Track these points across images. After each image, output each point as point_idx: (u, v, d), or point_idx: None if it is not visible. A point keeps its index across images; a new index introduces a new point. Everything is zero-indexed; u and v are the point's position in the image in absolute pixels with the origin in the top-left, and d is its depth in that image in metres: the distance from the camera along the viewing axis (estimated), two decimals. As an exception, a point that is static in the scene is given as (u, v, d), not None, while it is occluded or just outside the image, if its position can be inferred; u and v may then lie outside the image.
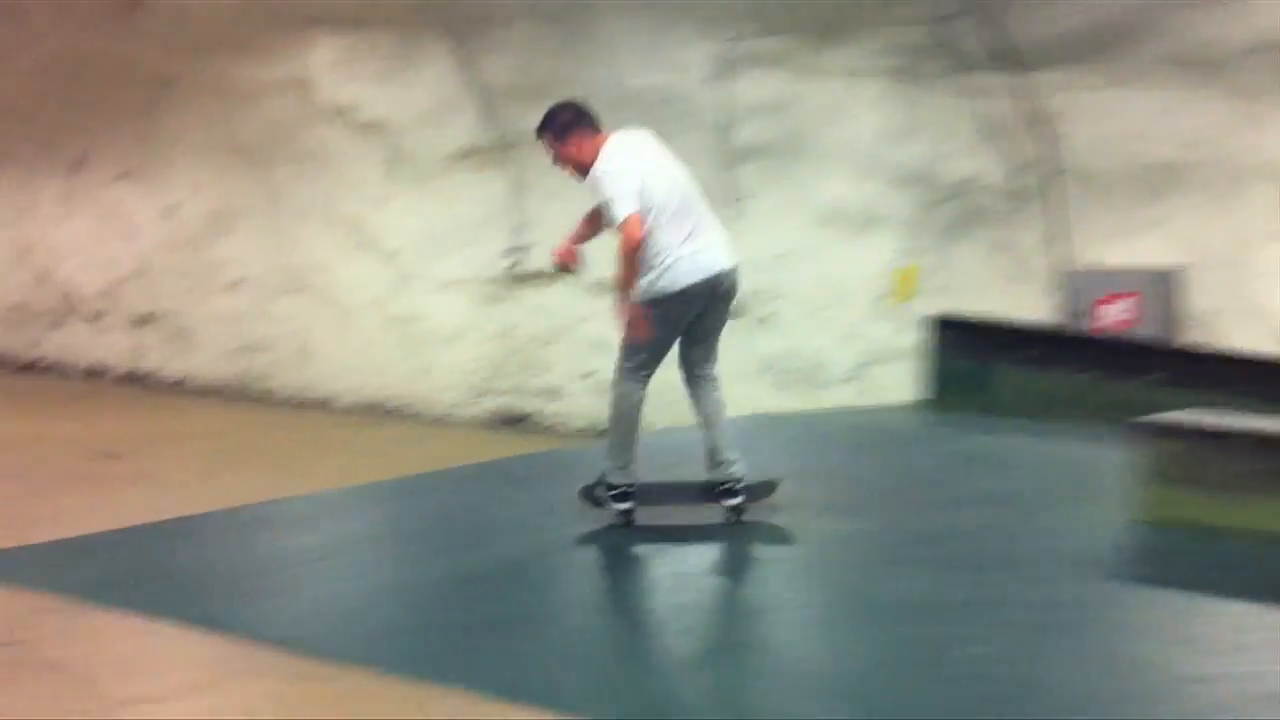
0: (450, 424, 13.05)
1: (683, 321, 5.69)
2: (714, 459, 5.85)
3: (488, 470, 8.33)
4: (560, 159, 5.70)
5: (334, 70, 13.56)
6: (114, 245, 15.73)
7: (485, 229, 13.18)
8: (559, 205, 13.27)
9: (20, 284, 16.66)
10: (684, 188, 5.69)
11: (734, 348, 12.60)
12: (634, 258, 5.44)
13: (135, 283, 15.64)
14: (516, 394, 13.15)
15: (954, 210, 11.21)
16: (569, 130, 5.65)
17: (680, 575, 5.58)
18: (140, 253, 15.55)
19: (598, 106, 12.43)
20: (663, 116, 12.08)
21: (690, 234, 5.60)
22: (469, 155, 13.09)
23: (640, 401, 5.75)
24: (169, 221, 15.22)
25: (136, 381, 15.65)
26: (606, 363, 13.38)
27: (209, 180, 14.87)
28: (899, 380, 11.41)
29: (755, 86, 11.61)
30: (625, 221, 5.40)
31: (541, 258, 12.85)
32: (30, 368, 16.68)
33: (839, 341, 11.64)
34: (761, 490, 5.98)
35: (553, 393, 12.92)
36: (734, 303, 5.99)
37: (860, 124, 11.30)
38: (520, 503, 6.96)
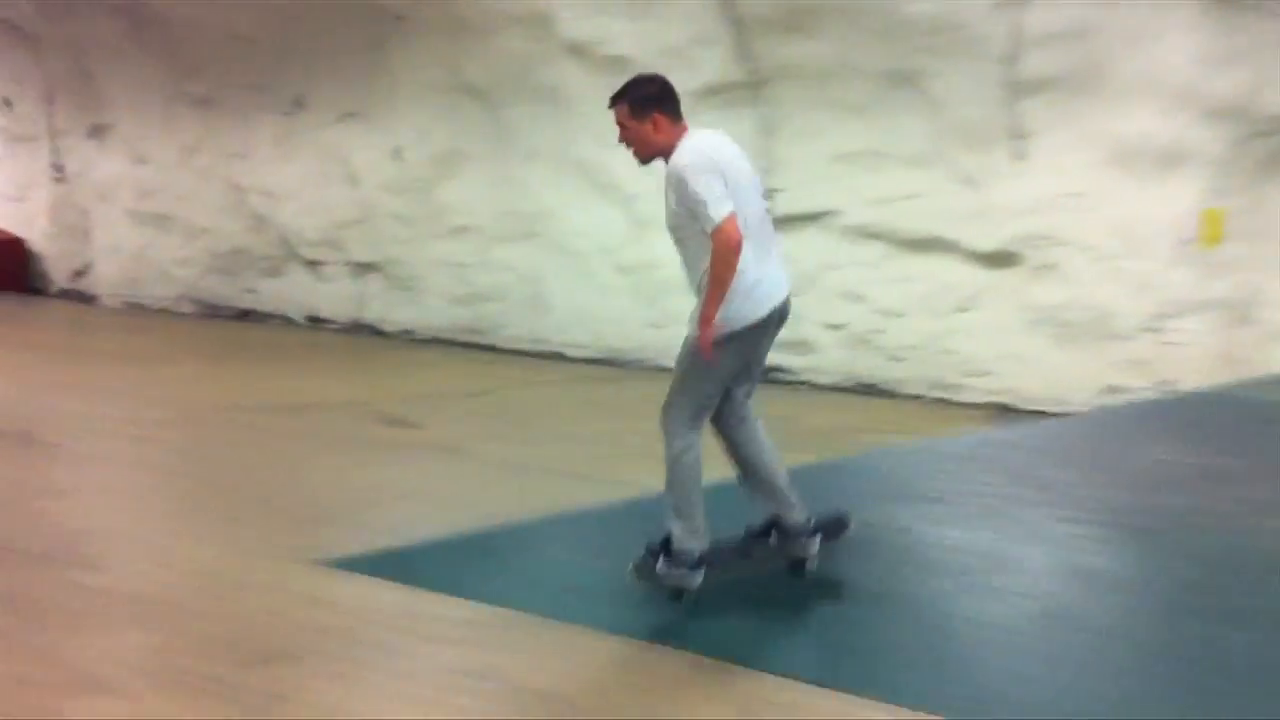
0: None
1: (755, 355, 4.81)
2: (783, 502, 4.85)
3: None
4: (630, 137, 4.72)
5: (576, 5, 12.89)
6: (334, 189, 15.33)
7: (732, 171, 12.43)
8: (810, 147, 12.56)
9: (235, 229, 16.38)
10: (760, 198, 4.82)
11: (1002, 297, 11.99)
12: (735, 266, 4.45)
13: (357, 228, 15.23)
14: (764, 346, 12.42)
15: (1272, 146, 10.17)
16: (650, 106, 4.67)
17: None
18: (362, 197, 15.13)
19: (863, 37, 11.71)
20: (933, 47, 11.24)
21: (767, 251, 4.72)
22: (716, 93, 12.31)
23: (700, 454, 4.72)
24: (393, 165, 14.76)
25: (359, 331, 15.29)
26: (859, 313, 12.92)
27: (435, 121, 14.35)
28: (1202, 335, 10.47)
29: (1048, 13, 10.64)
30: (724, 221, 4.42)
31: (790, 202, 12.13)
32: (245, 316, 16.43)
33: (1132, 291, 10.69)
34: (836, 528, 5.02)
35: (801, 345, 12.16)
36: None
37: (1169, 52, 10.28)
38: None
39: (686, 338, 4.65)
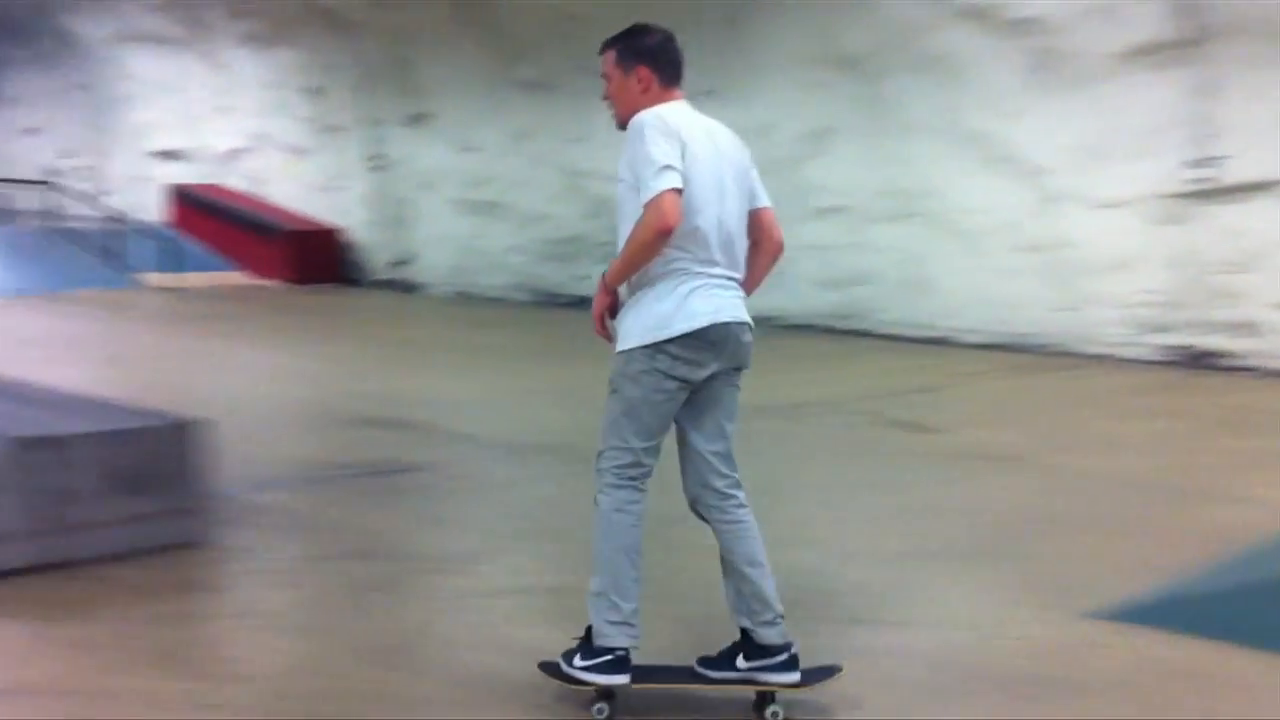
0: (1112, 363, 11.38)
1: (701, 391, 3.71)
2: (764, 614, 3.70)
3: None
4: (611, 91, 3.80)
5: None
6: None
7: (1160, 138, 11.35)
8: (1258, 108, 11.40)
9: (571, 216, 15.91)
10: (736, 199, 3.78)
11: None
12: (654, 249, 3.55)
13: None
14: (1198, 329, 11.34)
15: None
16: (639, 59, 3.75)
17: None
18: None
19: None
20: None
21: (725, 260, 3.72)
22: (1145, 53, 11.26)
23: (638, 519, 3.69)
24: (756, 144, 13.98)
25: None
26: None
27: (802, 96, 13.58)
28: None
29: None
30: (663, 196, 3.50)
31: (1235, 170, 11.02)
32: (581, 303, 15.93)
33: None
34: (821, 674, 3.77)
35: (1245, 327, 11.05)
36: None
37: None
38: None
39: (615, 355, 3.71)
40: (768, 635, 3.66)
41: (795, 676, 3.65)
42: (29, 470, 4.71)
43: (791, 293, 14.08)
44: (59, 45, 22.46)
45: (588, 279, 15.95)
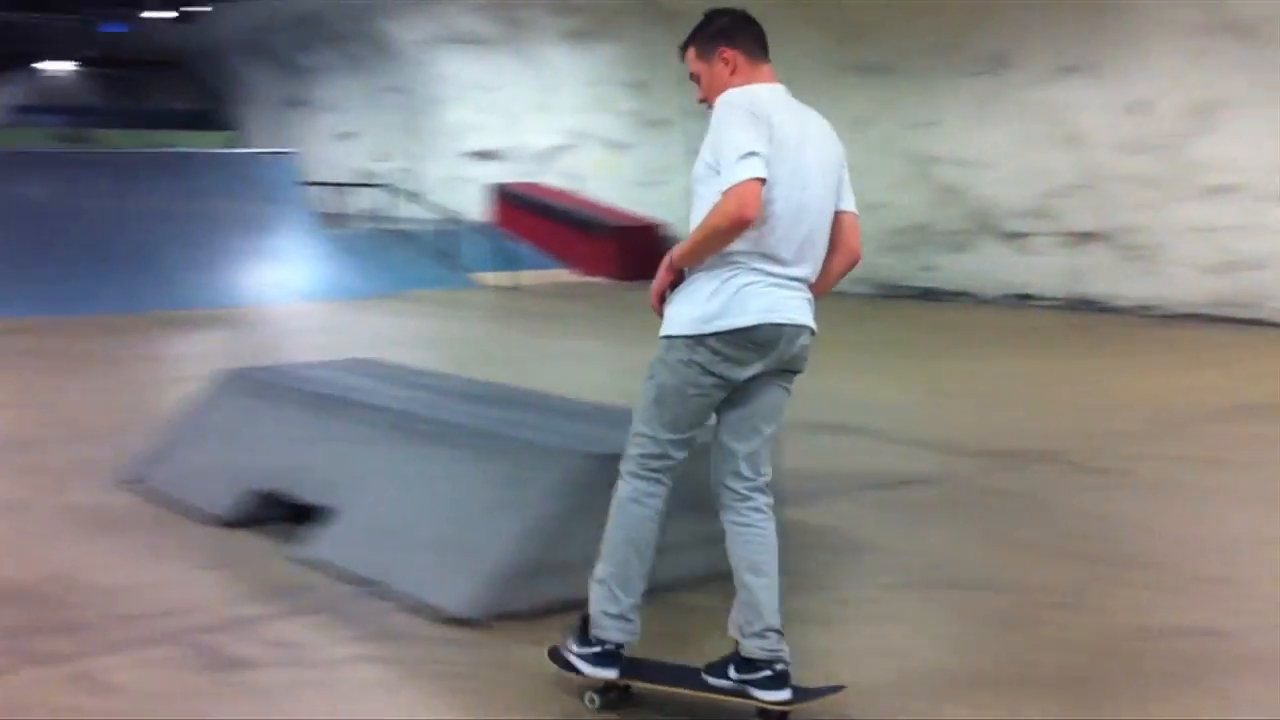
0: None
1: (742, 390, 3.53)
2: (753, 625, 3.49)
3: None
4: (704, 87, 3.65)
5: None
6: (1048, 153, 13.90)
7: None
8: None
9: (916, 203, 15.27)
10: (821, 193, 3.55)
11: None
12: (728, 238, 3.36)
13: (1077, 195, 13.77)
14: None
15: None
16: (718, 40, 3.62)
17: None
18: (1086, 159, 13.62)
19: None
20: None
21: (794, 256, 3.49)
22: None
23: (655, 514, 3.59)
24: (1129, 120, 13.16)
25: (1077, 308, 13.85)
26: None
27: (1186, 68, 12.63)
28: None
29: None
30: (743, 184, 3.29)
31: None
32: (925, 295, 15.32)
33: None
34: (818, 693, 3.53)
35: None
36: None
37: None
38: None
39: (659, 340, 3.55)
40: (751, 647, 3.48)
41: (785, 694, 3.45)
42: (605, 490, 4.42)
43: (1166, 280, 13.19)
44: (372, 50, 22.96)
45: (933, 270, 15.34)
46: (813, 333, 3.55)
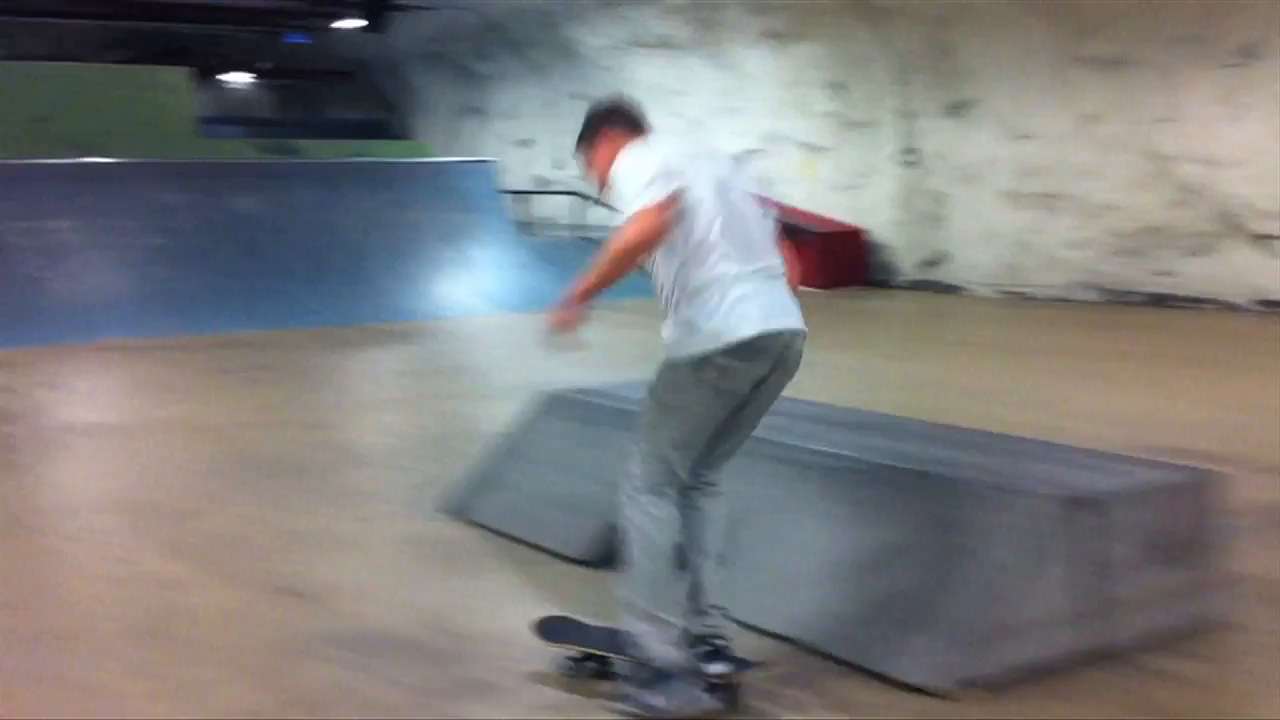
0: None
1: (746, 402, 3.64)
2: (698, 604, 3.66)
3: None
4: (599, 174, 3.88)
5: None
6: (1304, 150, 13.04)
7: None
8: None
9: (1151, 205, 14.44)
10: (746, 199, 3.73)
11: None
12: (630, 255, 3.51)
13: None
14: None
15: None
16: (595, 126, 3.94)
17: None
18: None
19: None
20: None
21: (762, 271, 3.63)
22: None
23: (675, 524, 3.61)
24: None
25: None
26: None
27: None
28: None
29: None
30: (642, 210, 3.44)
31: None
32: (1159, 302, 14.46)
33: None
34: (751, 662, 3.75)
35: None
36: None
37: None
38: None
39: (660, 365, 3.65)
40: (693, 623, 3.64)
41: (723, 667, 3.62)
42: (1074, 538, 3.87)
43: None
44: (555, 56, 22.68)
45: (1169, 275, 14.48)
46: (804, 335, 3.69)
